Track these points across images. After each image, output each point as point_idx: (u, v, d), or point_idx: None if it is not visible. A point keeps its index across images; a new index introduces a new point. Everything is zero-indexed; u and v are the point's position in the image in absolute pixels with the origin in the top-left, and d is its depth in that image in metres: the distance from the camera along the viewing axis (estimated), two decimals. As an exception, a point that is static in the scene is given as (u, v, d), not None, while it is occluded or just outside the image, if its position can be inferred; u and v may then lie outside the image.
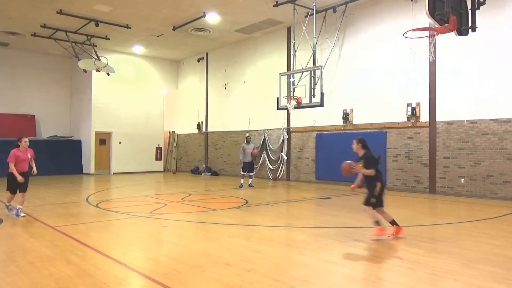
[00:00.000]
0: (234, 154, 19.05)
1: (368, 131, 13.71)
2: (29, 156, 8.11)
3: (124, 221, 7.84)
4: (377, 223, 6.07)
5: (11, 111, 20.07)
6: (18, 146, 7.98)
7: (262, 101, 17.56)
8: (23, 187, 8.00)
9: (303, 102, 13.18)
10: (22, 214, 7.93)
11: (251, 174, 14.25)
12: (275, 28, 16.77)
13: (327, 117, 14.91)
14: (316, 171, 15.48)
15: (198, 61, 21.67)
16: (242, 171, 14.16)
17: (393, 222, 6.18)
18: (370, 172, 6.13)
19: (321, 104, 12.81)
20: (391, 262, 4.90)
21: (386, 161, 13.15)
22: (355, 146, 6.42)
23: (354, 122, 14.24)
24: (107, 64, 16.92)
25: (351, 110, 14.31)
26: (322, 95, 12.80)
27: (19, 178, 7.77)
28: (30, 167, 8.29)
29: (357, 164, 6.21)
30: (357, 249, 5.53)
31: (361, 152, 6.37)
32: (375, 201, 6.13)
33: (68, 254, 5.27)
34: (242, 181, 14.09)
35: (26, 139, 8.09)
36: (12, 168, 7.80)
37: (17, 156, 7.89)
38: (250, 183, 14.11)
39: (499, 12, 10.80)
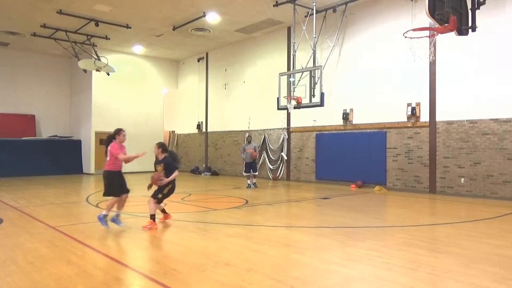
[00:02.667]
0: (234, 154, 19.06)
1: (368, 131, 13.71)
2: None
3: (124, 221, 7.82)
4: (153, 216, 6.86)
5: (11, 111, 20.07)
6: (114, 139, 6.79)
7: (262, 101, 17.56)
8: (126, 186, 6.86)
9: (303, 102, 13.18)
10: (123, 224, 6.90)
11: (255, 174, 14.08)
12: (275, 28, 16.77)
13: (327, 117, 14.91)
14: (316, 171, 15.48)
15: (198, 61, 21.67)
16: (245, 172, 14.02)
17: (163, 211, 7.30)
18: (173, 177, 6.95)
19: (321, 104, 12.81)
20: (391, 262, 4.89)
21: (386, 161, 13.17)
22: (156, 150, 7.11)
23: (354, 122, 14.24)
24: (107, 64, 16.92)
25: (351, 110, 14.31)
26: (322, 95, 12.80)
27: (141, 154, 6.69)
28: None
29: (163, 178, 6.86)
30: (357, 249, 5.53)
31: (161, 156, 7.08)
32: (161, 197, 7.03)
33: (68, 254, 5.27)
34: (248, 181, 13.96)
35: (125, 132, 6.88)
36: (123, 157, 6.59)
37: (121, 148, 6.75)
38: (253, 183, 13.93)
39: (499, 12, 10.80)
